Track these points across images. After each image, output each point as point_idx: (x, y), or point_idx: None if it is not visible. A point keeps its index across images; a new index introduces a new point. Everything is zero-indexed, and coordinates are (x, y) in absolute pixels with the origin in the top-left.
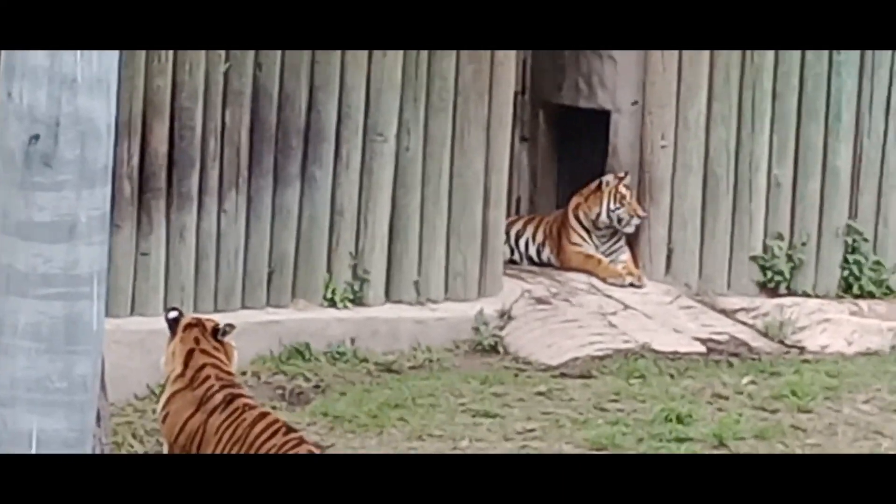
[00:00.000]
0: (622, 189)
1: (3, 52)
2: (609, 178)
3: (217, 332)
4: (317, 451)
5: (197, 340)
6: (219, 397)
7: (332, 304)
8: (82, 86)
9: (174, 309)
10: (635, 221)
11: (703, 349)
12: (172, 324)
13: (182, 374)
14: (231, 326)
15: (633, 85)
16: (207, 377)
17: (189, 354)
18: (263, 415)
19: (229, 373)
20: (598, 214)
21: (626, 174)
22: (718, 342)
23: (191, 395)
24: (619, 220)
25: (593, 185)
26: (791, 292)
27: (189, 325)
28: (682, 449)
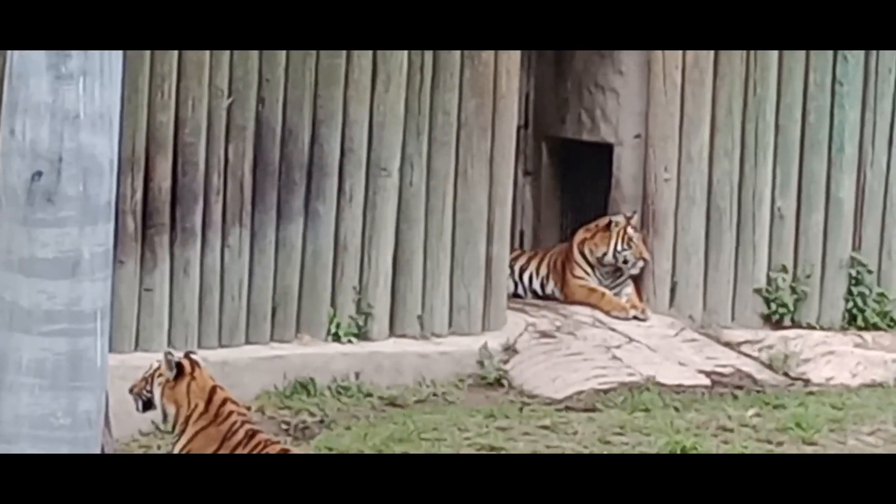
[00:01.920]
0: (630, 231)
1: (5, 88)
2: (618, 218)
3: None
4: None
5: (212, 377)
6: (241, 433)
7: (337, 338)
8: (84, 122)
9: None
10: (640, 264)
11: (707, 382)
12: (179, 366)
13: (206, 411)
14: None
15: (635, 118)
16: (231, 413)
17: (212, 391)
18: (284, 451)
19: (244, 408)
20: (605, 254)
21: (634, 213)
22: (723, 375)
23: (214, 431)
24: (625, 262)
25: (601, 222)
26: (795, 324)
27: (196, 364)
28: None
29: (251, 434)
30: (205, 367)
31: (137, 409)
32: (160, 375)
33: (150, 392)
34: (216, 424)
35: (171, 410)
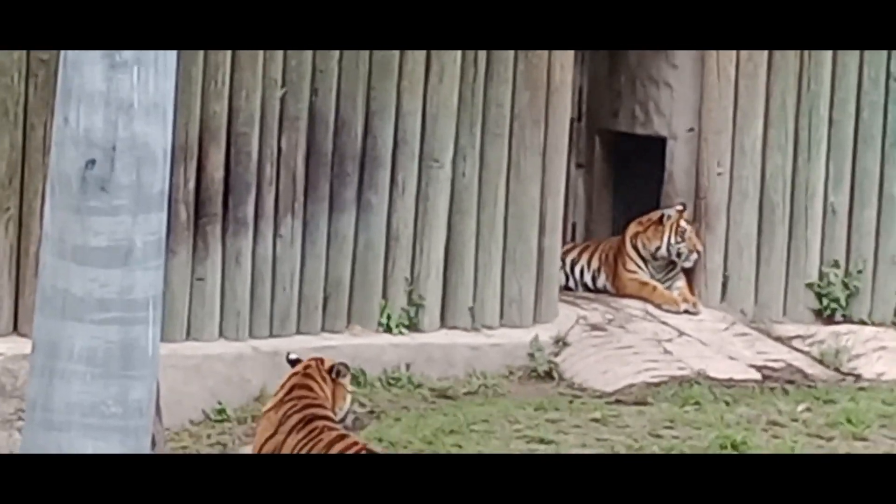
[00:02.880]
0: (683, 223)
1: (59, 76)
2: (671, 211)
3: (332, 371)
4: None
5: (306, 367)
6: (296, 418)
7: (388, 329)
8: (139, 111)
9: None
10: (694, 257)
11: (758, 376)
12: (294, 362)
13: (275, 395)
14: (345, 366)
15: (689, 111)
16: (291, 398)
17: (289, 378)
18: (342, 437)
19: (320, 400)
20: (658, 248)
21: (685, 207)
22: (774, 369)
23: (273, 416)
24: (679, 255)
25: (654, 216)
26: (847, 320)
27: (309, 361)
28: None
29: (309, 418)
30: (313, 363)
31: None
32: None
33: None
34: (275, 410)
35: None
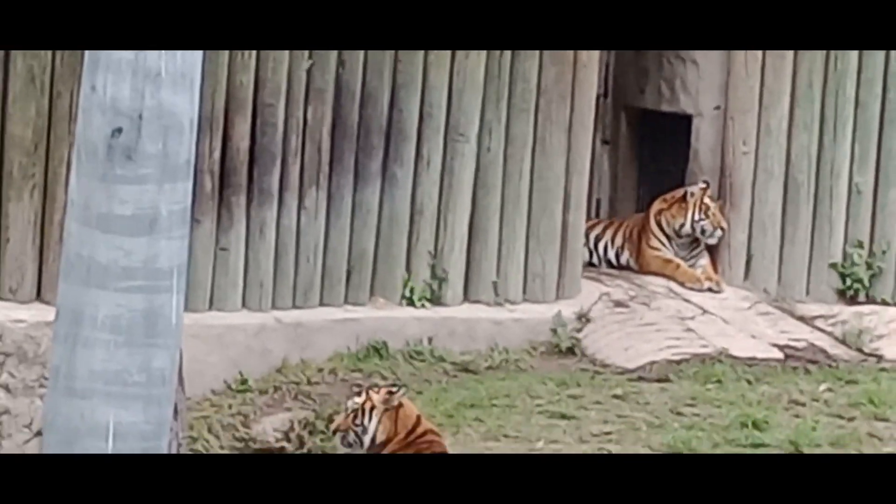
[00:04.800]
0: (707, 200)
1: None
2: (694, 188)
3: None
4: None
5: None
6: None
7: (411, 302)
8: (166, 80)
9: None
10: (718, 234)
11: (780, 355)
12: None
13: (405, 438)
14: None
15: (715, 90)
16: (425, 442)
17: (417, 420)
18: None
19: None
20: (682, 225)
21: (708, 184)
22: (796, 349)
23: None
24: (703, 232)
25: (678, 193)
26: (870, 300)
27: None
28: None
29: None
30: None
31: (343, 444)
32: (374, 408)
33: (361, 424)
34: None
35: (382, 437)
